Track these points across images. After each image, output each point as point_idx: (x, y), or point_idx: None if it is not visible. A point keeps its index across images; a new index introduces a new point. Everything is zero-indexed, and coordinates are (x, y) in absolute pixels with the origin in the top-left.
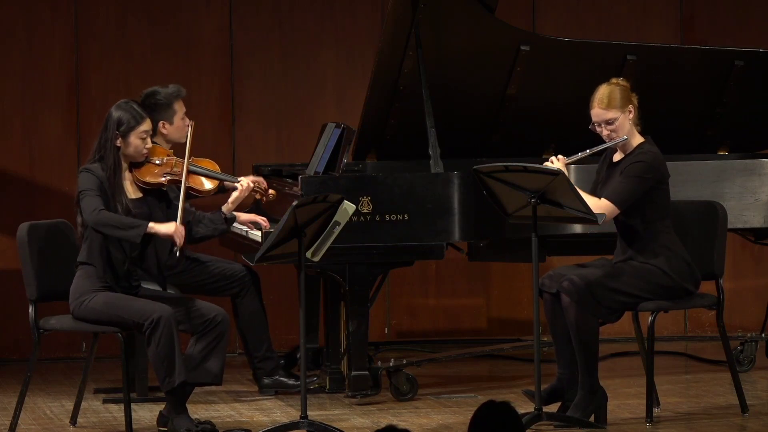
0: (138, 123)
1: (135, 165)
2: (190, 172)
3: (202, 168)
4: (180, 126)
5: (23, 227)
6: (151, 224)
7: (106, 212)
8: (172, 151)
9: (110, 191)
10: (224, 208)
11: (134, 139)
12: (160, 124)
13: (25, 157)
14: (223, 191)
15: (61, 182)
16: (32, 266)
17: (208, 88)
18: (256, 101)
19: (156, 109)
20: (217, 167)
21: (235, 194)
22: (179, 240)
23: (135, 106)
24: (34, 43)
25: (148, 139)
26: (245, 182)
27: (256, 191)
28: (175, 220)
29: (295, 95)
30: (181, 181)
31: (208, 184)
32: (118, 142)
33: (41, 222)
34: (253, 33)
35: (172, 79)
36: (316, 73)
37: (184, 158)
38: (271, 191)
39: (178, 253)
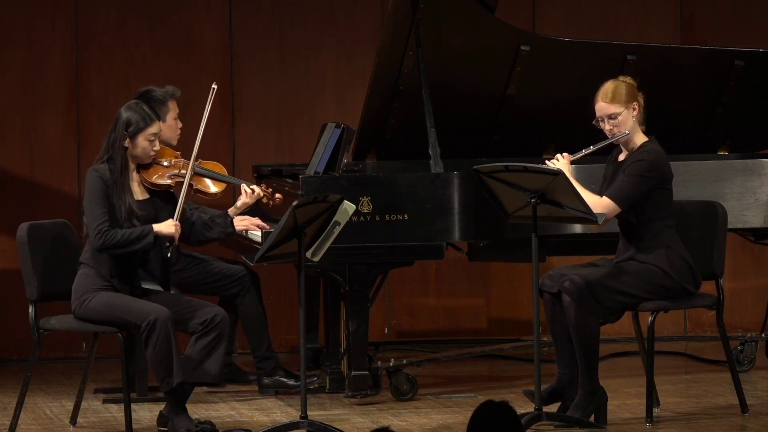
0: (147, 125)
1: (143, 166)
2: (196, 174)
3: (208, 170)
4: (172, 126)
5: (23, 227)
6: (154, 227)
7: (110, 233)
8: (179, 153)
9: (116, 191)
10: (231, 211)
11: (142, 141)
12: None
13: (25, 157)
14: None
15: (61, 182)
16: (32, 266)
17: (208, 88)
18: (256, 101)
19: (150, 105)
20: (225, 170)
21: (241, 199)
22: (176, 237)
23: (145, 108)
24: (34, 43)
25: (156, 142)
26: (256, 189)
27: (264, 195)
28: (172, 217)
29: (295, 95)
30: (189, 184)
31: (214, 187)
32: (126, 143)
33: (41, 222)
34: (253, 33)
35: (172, 79)
36: (316, 73)
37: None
38: (278, 195)
39: (171, 251)
